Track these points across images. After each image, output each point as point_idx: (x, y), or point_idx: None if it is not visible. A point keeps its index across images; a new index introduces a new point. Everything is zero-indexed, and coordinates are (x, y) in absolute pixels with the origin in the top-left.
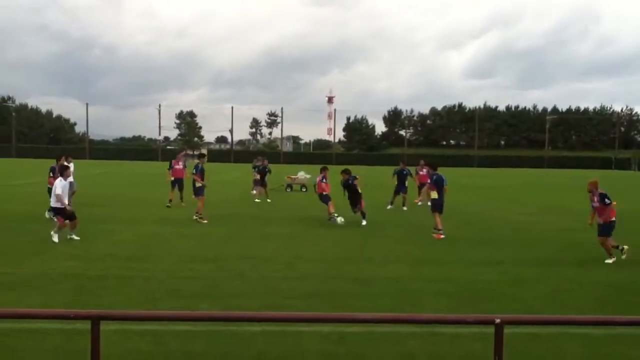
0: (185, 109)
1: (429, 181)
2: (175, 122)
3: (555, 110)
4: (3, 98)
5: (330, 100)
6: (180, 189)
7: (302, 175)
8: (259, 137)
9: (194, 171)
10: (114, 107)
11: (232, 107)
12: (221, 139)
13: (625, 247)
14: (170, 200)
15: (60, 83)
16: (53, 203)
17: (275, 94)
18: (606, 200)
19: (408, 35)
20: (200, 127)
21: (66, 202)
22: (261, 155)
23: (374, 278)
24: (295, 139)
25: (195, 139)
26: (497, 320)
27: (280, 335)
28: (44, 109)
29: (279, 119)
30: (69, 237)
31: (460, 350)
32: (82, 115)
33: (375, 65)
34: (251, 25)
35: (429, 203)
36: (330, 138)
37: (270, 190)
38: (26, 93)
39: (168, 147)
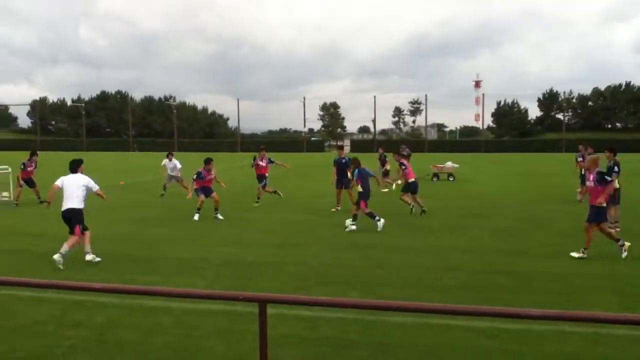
0: (329, 101)
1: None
2: (319, 114)
3: None
4: (165, 97)
5: (477, 84)
6: (262, 184)
7: (449, 164)
8: (402, 125)
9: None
10: (262, 102)
11: (375, 97)
12: (364, 129)
13: (627, 244)
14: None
15: (215, 81)
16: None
17: (418, 81)
18: (607, 177)
19: (564, 9)
20: (343, 118)
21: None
22: (404, 143)
23: (532, 272)
24: (439, 127)
25: (339, 129)
26: None
27: (430, 327)
28: (200, 106)
29: (422, 107)
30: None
31: (635, 355)
32: (234, 110)
33: (526, 45)
34: (393, 13)
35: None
36: (478, 124)
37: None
38: (185, 92)
39: (312, 138)
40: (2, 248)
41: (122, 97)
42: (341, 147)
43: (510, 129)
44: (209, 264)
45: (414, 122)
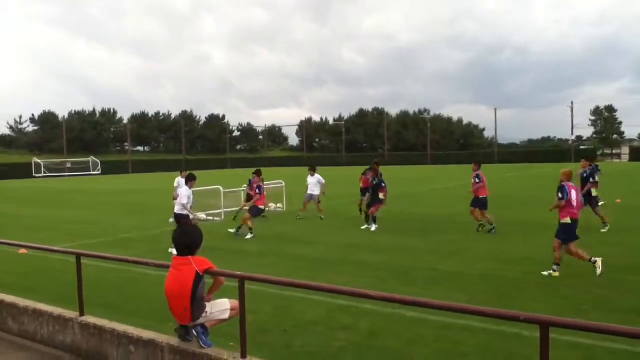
0: (603, 104)
1: None
2: (590, 119)
3: None
4: (420, 111)
5: None
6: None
7: None
8: None
9: (590, 177)
10: (522, 109)
11: None
12: None
13: (599, 259)
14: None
15: (471, 91)
16: (178, 210)
17: None
18: (559, 194)
19: None
20: (620, 123)
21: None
22: None
23: None
24: None
25: (614, 135)
26: None
27: None
28: (455, 117)
29: None
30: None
31: None
32: (491, 120)
33: None
34: None
35: None
36: None
37: None
38: (441, 103)
39: (581, 147)
40: (287, 252)
41: (378, 114)
42: (586, 159)
43: None
44: (469, 279)
45: None
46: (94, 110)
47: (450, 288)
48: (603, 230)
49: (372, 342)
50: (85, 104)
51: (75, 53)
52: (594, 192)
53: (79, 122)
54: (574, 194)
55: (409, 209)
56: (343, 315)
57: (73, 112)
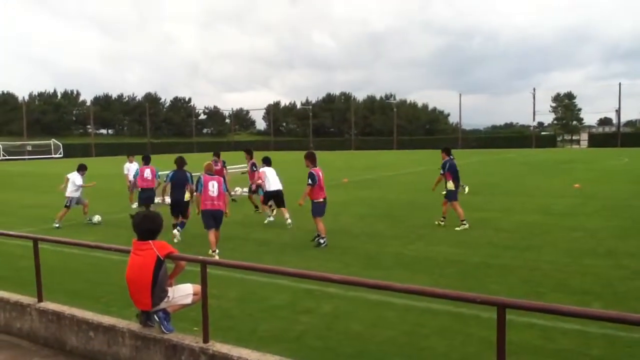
0: (566, 90)
1: None
2: (551, 106)
3: None
4: (386, 96)
5: None
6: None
7: None
8: None
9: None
10: (488, 95)
11: (620, 84)
12: (605, 121)
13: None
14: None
15: (440, 76)
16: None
17: None
18: (196, 187)
19: None
20: (579, 109)
21: None
22: None
23: None
24: None
25: (574, 122)
26: None
27: None
28: (420, 103)
29: None
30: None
31: None
32: (457, 106)
33: None
34: None
35: None
36: None
37: None
38: (408, 89)
39: (542, 132)
40: (252, 237)
41: (346, 98)
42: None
43: None
44: (432, 262)
45: None
46: (55, 91)
47: (414, 271)
48: (440, 223)
49: (335, 325)
50: (46, 85)
51: (36, 32)
52: (450, 185)
53: (40, 104)
54: (210, 185)
55: (376, 194)
56: (307, 299)
57: (33, 93)
